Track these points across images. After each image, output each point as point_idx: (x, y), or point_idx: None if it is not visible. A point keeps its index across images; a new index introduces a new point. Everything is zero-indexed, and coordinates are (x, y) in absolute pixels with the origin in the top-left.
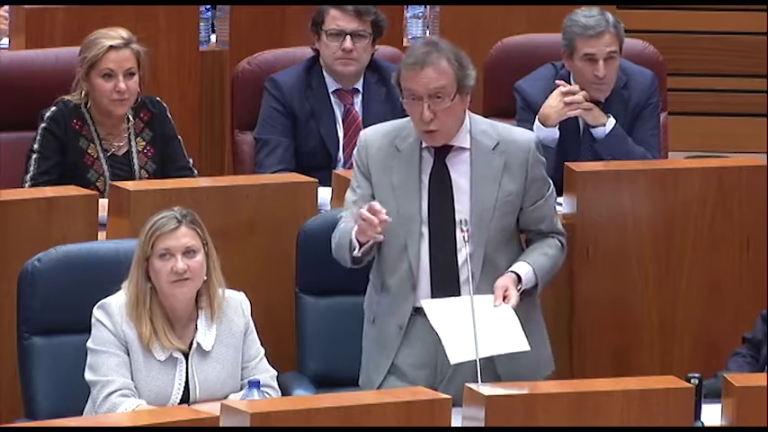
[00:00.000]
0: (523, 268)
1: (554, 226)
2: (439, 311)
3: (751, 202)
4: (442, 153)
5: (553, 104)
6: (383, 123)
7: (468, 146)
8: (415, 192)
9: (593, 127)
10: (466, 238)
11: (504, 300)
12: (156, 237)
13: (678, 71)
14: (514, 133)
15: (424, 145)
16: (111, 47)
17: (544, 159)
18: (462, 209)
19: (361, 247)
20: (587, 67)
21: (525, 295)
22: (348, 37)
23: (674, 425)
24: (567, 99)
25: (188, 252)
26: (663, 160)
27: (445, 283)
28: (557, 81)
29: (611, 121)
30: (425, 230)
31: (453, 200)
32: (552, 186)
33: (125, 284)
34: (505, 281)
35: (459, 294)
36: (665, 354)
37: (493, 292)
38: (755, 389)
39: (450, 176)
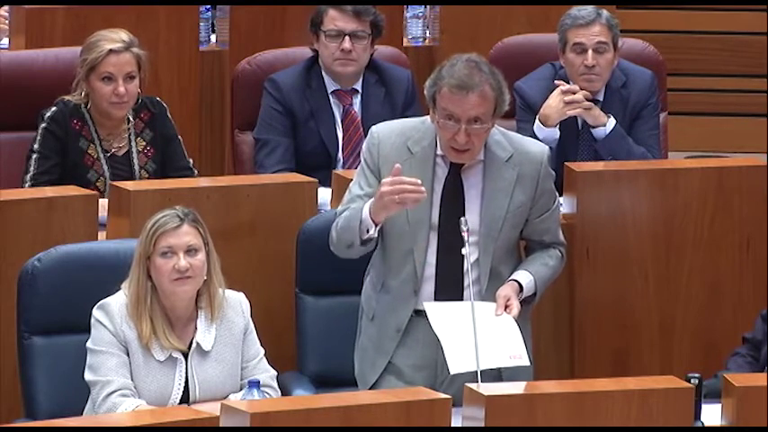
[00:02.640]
0: (525, 277)
1: (557, 237)
2: (441, 315)
3: (751, 202)
4: (458, 164)
5: (553, 104)
6: (395, 121)
7: (482, 157)
8: (427, 198)
9: (594, 127)
10: (467, 238)
11: (506, 309)
12: (159, 235)
13: (678, 71)
14: (527, 145)
15: (439, 152)
16: (111, 50)
17: (554, 173)
18: (473, 219)
19: (377, 226)
20: (577, 58)
21: (523, 304)
22: (347, 37)
23: (674, 425)
24: (567, 99)
25: (190, 250)
26: (663, 160)
27: (449, 291)
28: (556, 81)
29: (612, 121)
30: (434, 237)
31: (464, 210)
32: (558, 199)
33: (125, 285)
34: (507, 290)
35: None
36: (664, 354)
37: (495, 301)
38: (755, 389)
39: (463, 187)
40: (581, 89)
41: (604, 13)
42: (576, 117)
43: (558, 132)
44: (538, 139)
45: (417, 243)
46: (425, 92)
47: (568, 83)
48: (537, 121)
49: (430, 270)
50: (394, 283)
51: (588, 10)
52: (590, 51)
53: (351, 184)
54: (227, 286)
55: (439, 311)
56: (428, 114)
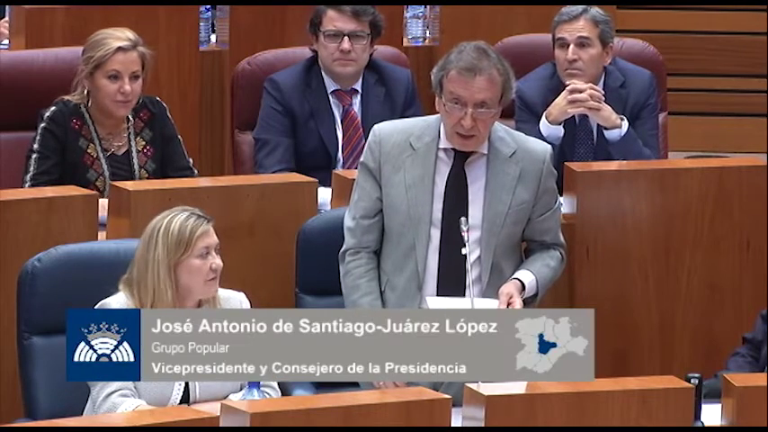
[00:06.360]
0: (527, 277)
1: (557, 238)
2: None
3: (751, 202)
4: (462, 157)
5: (558, 102)
6: (398, 120)
7: (485, 152)
8: (428, 193)
9: (606, 128)
10: (467, 238)
11: (508, 306)
12: (198, 236)
13: (678, 71)
14: (531, 143)
15: (441, 146)
16: (119, 48)
17: (556, 172)
18: (475, 214)
19: None
20: (561, 53)
21: (524, 304)
22: (346, 38)
23: (674, 425)
24: (570, 98)
25: (217, 250)
26: (663, 160)
27: (451, 288)
28: (567, 80)
29: (626, 123)
30: (435, 232)
31: (468, 205)
32: (560, 199)
33: (123, 286)
34: (510, 288)
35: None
36: (665, 354)
37: (498, 298)
38: (755, 389)
39: (466, 181)
40: (573, 86)
41: (592, 9)
42: (574, 116)
43: (563, 131)
44: (542, 138)
45: (418, 238)
46: (432, 78)
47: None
48: (543, 117)
49: (432, 267)
50: (399, 281)
51: (576, 7)
52: (571, 46)
53: (354, 187)
54: (227, 286)
55: (441, 307)
56: (428, 114)
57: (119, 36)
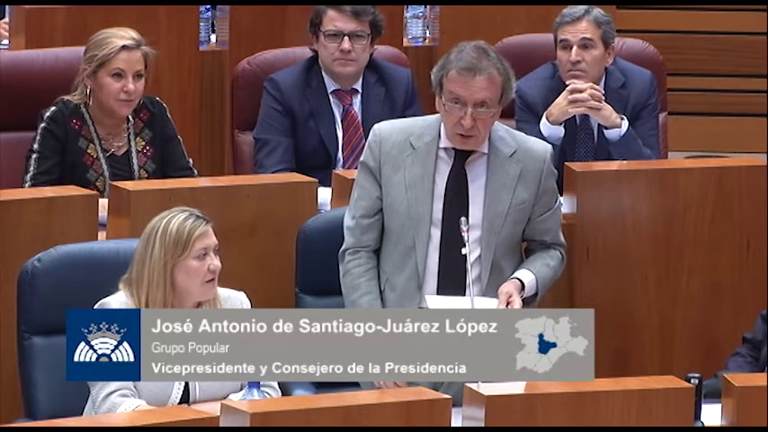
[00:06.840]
0: (527, 276)
1: (558, 238)
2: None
3: (751, 202)
4: (462, 157)
5: (559, 102)
6: (398, 119)
7: (486, 151)
8: (428, 193)
9: (606, 128)
10: (467, 238)
11: (507, 306)
12: (196, 237)
13: (678, 71)
14: (531, 142)
15: (441, 145)
16: (124, 47)
17: (556, 172)
18: (475, 213)
19: None
20: (564, 55)
21: (524, 303)
22: (346, 38)
23: (674, 425)
24: (570, 97)
25: (215, 251)
26: (663, 160)
27: (451, 288)
28: (568, 81)
29: (626, 123)
30: (435, 232)
31: (468, 204)
32: (560, 199)
33: (122, 285)
34: (510, 287)
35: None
36: (665, 354)
37: (497, 297)
38: (755, 389)
39: (467, 181)
40: (574, 86)
41: (594, 10)
42: (575, 116)
43: (563, 131)
44: (543, 138)
45: (418, 237)
46: (432, 77)
47: None
48: (544, 118)
49: (432, 266)
50: (399, 280)
51: (578, 8)
52: (574, 47)
53: (354, 186)
54: (227, 286)
55: (441, 305)
56: (428, 114)
57: (123, 35)
